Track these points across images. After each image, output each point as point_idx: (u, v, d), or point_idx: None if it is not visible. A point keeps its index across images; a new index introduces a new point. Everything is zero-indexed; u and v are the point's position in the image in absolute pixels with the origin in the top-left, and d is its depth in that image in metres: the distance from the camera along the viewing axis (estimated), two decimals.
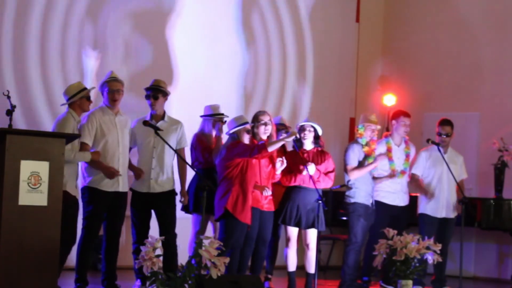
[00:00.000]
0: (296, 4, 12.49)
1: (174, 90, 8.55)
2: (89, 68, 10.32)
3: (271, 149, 8.26)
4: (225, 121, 8.99)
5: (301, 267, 8.99)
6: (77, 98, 7.89)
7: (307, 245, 8.84)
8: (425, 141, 9.80)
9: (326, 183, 8.88)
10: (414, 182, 9.88)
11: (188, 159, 8.81)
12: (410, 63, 13.18)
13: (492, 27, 12.40)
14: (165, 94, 8.53)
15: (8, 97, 6.93)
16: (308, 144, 8.90)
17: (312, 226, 8.73)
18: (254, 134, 8.55)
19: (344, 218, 10.26)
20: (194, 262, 6.45)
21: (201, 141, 8.82)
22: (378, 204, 9.52)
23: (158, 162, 8.37)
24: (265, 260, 9.13)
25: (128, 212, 8.49)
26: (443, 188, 9.78)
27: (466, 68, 12.55)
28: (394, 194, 9.66)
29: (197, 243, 6.50)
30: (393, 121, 9.84)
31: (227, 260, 6.53)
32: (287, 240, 8.88)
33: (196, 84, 11.05)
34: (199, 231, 8.51)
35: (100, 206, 8.14)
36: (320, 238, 8.93)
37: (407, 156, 9.77)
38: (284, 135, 8.93)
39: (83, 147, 8.01)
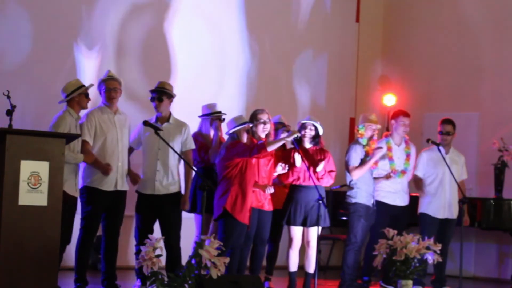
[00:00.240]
0: (296, 4, 12.48)
1: (174, 90, 8.55)
2: (87, 65, 10.30)
3: (271, 148, 8.26)
4: (223, 119, 8.99)
5: (301, 267, 8.99)
6: (75, 95, 7.87)
7: (308, 243, 8.83)
8: (425, 141, 9.79)
9: (328, 181, 8.87)
10: (416, 184, 9.88)
11: None
12: (410, 63, 13.18)
13: (492, 27, 12.40)
14: (170, 96, 8.51)
15: (8, 97, 6.93)
16: (307, 143, 8.89)
17: (316, 224, 8.71)
18: (252, 133, 8.55)
19: (344, 218, 10.25)
20: (194, 262, 6.45)
21: (197, 140, 8.82)
22: (379, 204, 9.52)
23: (162, 164, 8.35)
24: (264, 259, 9.13)
25: (128, 212, 8.48)
26: (444, 189, 9.78)
27: (466, 68, 12.55)
28: (395, 194, 9.66)
29: (197, 243, 6.50)
30: (393, 121, 9.84)
31: (227, 260, 6.53)
32: (290, 240, 8.87)
33: (196, 84, 11.05)
34: (202, 232, 8.53)
35: (99, 206, 8.14)
36: (320, 238, 8.93)
37: (408, 156, 9.77)
38: (285, 134, 8.91)
39: (84, 145, 8.02)
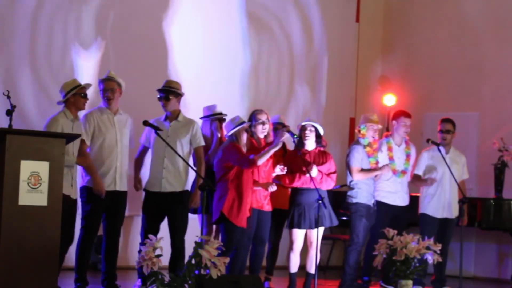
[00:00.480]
0: (296, 4, 12.49)
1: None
2: (86, 64, 10.29)
3: (261, 161, 8.30)
4: (224, 119, 9.00)
5: (301, 267, 8.98)
6: (70, 96, 7.81)
7: (311, 244, 8.83)
8: (425, 141, 9.79)
9: (328, 184, 8.86)
10: (417, 182, 9.88)
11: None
12: (410, 63, 13.18)
13: (492, 27, 12.40)
14: (178, 95, 8.50)
15: (8, 97, 6.92)
16: (310, 144, 8.88)
17: (317, 225, 8.69)
18: (251, 133, 8.55)
19: (344, 218, 10.25)
20: (194, 262, 6.45)
21: None
22: (379, 204, 9.53)
23: (170, 162, 8.34)
24: (264, 259, 9.13)
25: (128, 212, 8.49)
26: (444, 188, 9.78)
27: (466, 68, 12.55)
28: (395, 194, 9.66)
29: (197, 243, 6.50)
30: (394, 122, 9.84)
31: (227, 260, 6.52)
32: (291, 243, 8.85)
33: (196, 84, 11.05)
34: (202, 231, 8.52)
35: (98, 206, 8.14)
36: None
37: (408, 156, 9.77)
38: (285, 135, 8.80)
39: (80, 146, 8.00)
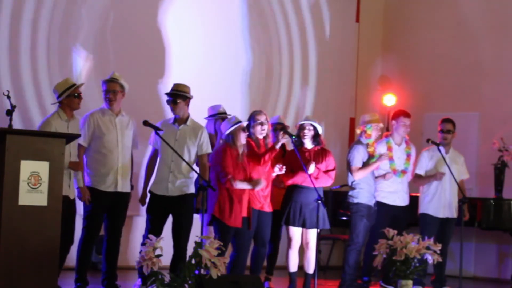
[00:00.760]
0: (296, 4, 12.49)
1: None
2: (86, 64, 10.28)
3: (239, 187, 8.20)
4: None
5: (301, 267, 8.98)
6: (63, 98, 7.75)
7: (307, 244, 8.83)
8: (425, 141, 9.80)
9: (326, 181, 8.86)
10: (421, 180, 9.87)
11: None
12: (410, 63, 13.18)
13: (492, 27, 12.40)
14: (186, 98, 8.47)
15: (8, 97, 6.92)
16: (308, 143, 8.89)
17: (316, 225, 8.69)
18: (250, 134, 8.55)
19: (344, 218, 10.25)
20: (194, 262, 6.45)
21: None
22: (379, 205, 9.52)
23: (176, 166, 8.32)
24: (264, 260, 9.13)
25: (130, 212, 8.48)
26: (444, 188, 9.78)
27: (466, 68, 12.55)
28: (395, 194, 9.66)
29: (197, 243, 6.50)
30: (393, 121, 9.84)
31: (227, 260, 6.52)
32: (289, 240, 8.86)
33: (196, 84, 11.02)
34: (202, 231, 8.51)
35: (99, 206, 8.13)
36: (320, 238, 8.92)
37: (408, 156, 9.77)
38: (285, 138, 8.73)
39: (78, 148, 8.00)
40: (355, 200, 9.33)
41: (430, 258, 8.55)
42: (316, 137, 8.88)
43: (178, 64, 11.05)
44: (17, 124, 9.47)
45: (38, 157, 6.75)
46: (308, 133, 8.86)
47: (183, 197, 8.34)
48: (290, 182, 8.81)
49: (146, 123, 8.00)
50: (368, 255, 9.49)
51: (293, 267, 8.93)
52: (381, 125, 9.51)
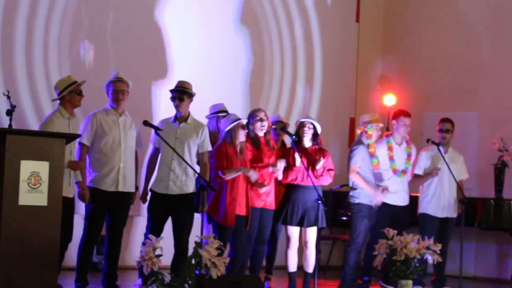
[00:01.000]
0: (296, 4, 12.49)
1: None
2: (86, 64, 10.27)
3: (230, 176, 8.24)
4: None
5: (301, 266, 8.99)
6: (66, 93, 7.75)
7: (306, 243, 8.83)
8: (425, 141, 9.80)
9: (327, 180, 8.86)
10: (419, 180, 9.88)
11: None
12: (410, 63, 13.18)
13: (492, 27, 12.40)
14: (190, 95, 8.48)
15: (8, 97, 6.92)
16: (307, 142, 8.89)
17: (314, 224, 8.70)
18: (249, 131, 8.55)
19: (344, 218, 10.25)
20: (194, 262, 6.45)
21: None
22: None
23: (178, 164, 8.31)
24: (263, 259, 9.14)
25: (130, 212, 8.48)
26: (444, 188, 9.79)
27: (466, 68, 12.55)
28: (395, 194, 9.66)
29: (197, 243, 6.50)
30: (393, 121, 9.85)
31: (227, 260, 6.53)
32: (288, 240, 8.87)
33: (196, 84, 11.03)
34: (202, 231, 8.51)
35: (100, 206, 8.12)
36: (320, 238, 8.92)
37: (409, 155, 9.77)
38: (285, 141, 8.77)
39: (82, 147, 8.03)
40: (357, 201, 9.33)
41: (430, 258, 8.55)
42: (315, 136, 8.88)
43: (178, 64, 11.05)
44: (18, 124, 9.48)
45: (38, 157, 6.76)
46: (308, 132, 8.86)
47: (184, 196, 8.33)
48: (287, 180, 8.80)
49: (146, 123, 8.01)
50: (368, 255, 9.50)
51: (293, 267, 8.93)
52: (381, 124, 9.53)
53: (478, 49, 12.48)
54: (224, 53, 11.64)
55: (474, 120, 12.30)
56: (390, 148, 9.71)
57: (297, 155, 8.66)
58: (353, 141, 10.33)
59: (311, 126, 8.87)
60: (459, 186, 9.71)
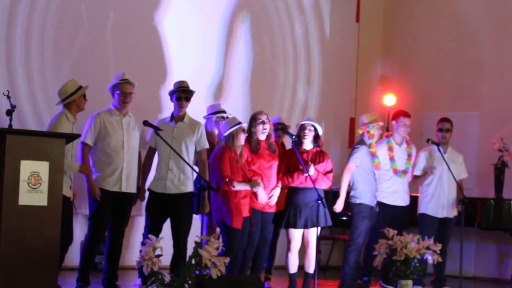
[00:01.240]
0: (296, 4, 12.49)
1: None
2: (86, 65, 10.26)
3: (238, 188, 8.20)
4: (228, 117, 9.00)
5: (301, 267, 8.98)
6: (76, 97, 7.79)
7: (307, 243, 8.82)
8: (425, 141, 9.81)
9: (325, 184, 8.85)
10: (416, 181, 9.88)
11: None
12: (410, 63, 13.19)
13: (492, 27, 12.41)
14: (192, 95, 8.54)
15: (8, 97, 6.92)
16: (308, 144, 8.88)
17: (317, 224, 8.68)
18: (251, 134, 8.55)
19: (344, 218, 10.24)
20: (194, 262, 6.45)
21: None
22: (379, 205, 9.53)
23: (175, 163, 8.32)
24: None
25: (132, 212, 8.48)
26: (443, 188, 9.79)
27: (466, 68, 12.55)
28: (395, 194, 9.67)
29: (197, 243, 6.50)
30: (393, 122, 9.85)
31: (227, 260, 6.52)
32: (288, 243, 8.84)
33: (196, 84, 11.04)
34: (208, 232, 8.51)
35: (104, 206, 8.12)
36: (320, 238, 8.92)
37: (409, 156, 9.78)
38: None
39: (84, 146, 8.05)
40: (358, 201, 9.33)
41: (430, 258, 8.56)
42: (316, 138, 8.87)
43: (178, 64, 11.05)
44: (18, 124, 9.48)
45: (38, 157, 6.76)
46: (309, 134, 8.85)
47: (182, 196, 8.34)
48: (291, 184, 8.78)
49: (146, 123, 8.03)
50: (368, 255, 9.50)
51: (293, 268, 8.92)
52: (381, 123, 9.54)
53: (478, 49, 12.49)
54: (224, 54, 11.63)
55: (474, 120, 12.31)
56: (390, 149, 9.71)
57: (312, 167, 8.63)
58: (353, 141, 10.34)
59: (312, 128, 8.86)
60: (459, 186, 9.71)
